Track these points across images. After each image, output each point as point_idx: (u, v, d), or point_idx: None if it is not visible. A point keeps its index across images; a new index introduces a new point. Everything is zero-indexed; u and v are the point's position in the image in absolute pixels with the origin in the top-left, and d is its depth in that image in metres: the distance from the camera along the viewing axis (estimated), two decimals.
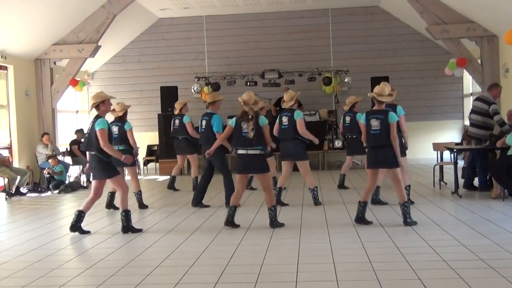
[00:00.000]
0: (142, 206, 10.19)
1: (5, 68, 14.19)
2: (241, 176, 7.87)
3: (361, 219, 7.79)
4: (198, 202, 9.95)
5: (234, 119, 7.97)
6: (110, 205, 10.04)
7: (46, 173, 13.42)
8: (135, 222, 8.40)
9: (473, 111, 11.01)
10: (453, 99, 18.32)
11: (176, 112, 12.22)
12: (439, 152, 12.02)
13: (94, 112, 8.03)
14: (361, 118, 8.31)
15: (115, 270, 5.86)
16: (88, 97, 19.26)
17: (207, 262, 6.14)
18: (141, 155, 17.49)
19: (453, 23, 14.45)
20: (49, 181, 13.43)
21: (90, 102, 8.70)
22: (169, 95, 16.33)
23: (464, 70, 15.23)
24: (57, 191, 13.05)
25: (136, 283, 5.33)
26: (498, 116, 10.64)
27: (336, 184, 11.92)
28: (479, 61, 14.64)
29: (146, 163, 17.75)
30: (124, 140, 9.94)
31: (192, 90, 17.60)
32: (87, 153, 8.06)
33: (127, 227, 7.89)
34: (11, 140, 14.29)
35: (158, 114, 16.69)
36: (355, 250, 6.37)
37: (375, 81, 16.07)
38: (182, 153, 12.19)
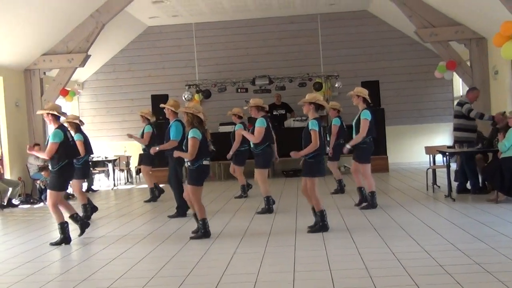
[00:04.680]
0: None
1: None
2: None
3: None
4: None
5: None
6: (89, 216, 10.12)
7: (41, 184, 13.28)
8: (128, 232, 8.40)
9: (454, 116, 11.26)
10: (444, 101, 18.41)
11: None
12: (431, 155, 12.05)
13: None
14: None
15: (111, 281, 5.82)
16: (79, 107, 19.23)
17: (202, 272, 6.11)
18: (133, 163, 17.46)
19: (442, 26, 14.53)
20: (41, 192, 13.35)
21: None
22: (160, 103, 16.19)
23: (454, 73, 15.32)
24: None
25: None
26: (474, 111, 10.85)
27: (332, 189, 11.91)
28: (468, 63, 14.72)
29: (138, 171, 17.68)
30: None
31: (183, 98, 17.56)
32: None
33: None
34: (2, 152, 14.20)
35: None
36: (351, 256, 6.36)
37: (366, 85, 16.13)
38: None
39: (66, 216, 8.22)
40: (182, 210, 9.71)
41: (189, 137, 7.63)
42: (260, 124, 9.64)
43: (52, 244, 7.95)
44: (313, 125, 7.64)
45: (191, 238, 7.82)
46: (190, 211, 8.80)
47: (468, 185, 10.80)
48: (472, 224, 7.82)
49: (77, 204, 10.17)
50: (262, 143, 9.69)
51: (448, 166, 10.36)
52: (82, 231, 8.35)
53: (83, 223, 8.39)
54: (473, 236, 7.04)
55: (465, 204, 9.59)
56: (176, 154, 8.08)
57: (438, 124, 18.14)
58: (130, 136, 12.60)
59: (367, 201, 9.62)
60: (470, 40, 14.48)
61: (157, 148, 9.76)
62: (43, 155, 8.16)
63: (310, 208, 8.08)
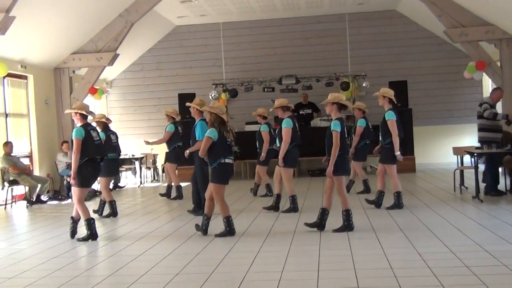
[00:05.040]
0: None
1: (25, 77, 14.34)
2: None
3: None
4: None
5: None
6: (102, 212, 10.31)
7: (69, 181, 13.47)
8: (153, 229, 8.48)
9: (477, 116, 11.16)
10: (473, 102, 18.07)
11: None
12: (459, 156, 11.91)
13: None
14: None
15: (136, 277, 5.87)
16: (107, 105, 19.43)
17: (227, 269, 6.13)
18: (160, 161, 17.58)
19: (472, 26, 14.35)
20: (69, 188, 13.50)
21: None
22: (187, 102, 16.32)
23: (484, 73, 15.11)
24: None
25: None
26: (488, 111, 10.73)
27: (358, 190, 11.85)
28: (498, 63, 14.51)
29: (164, 169, 17.80)
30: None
31: (210, 97, 17.60)
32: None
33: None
34: (31, 149, 14.42)
35: (178, 121, 16.73)
36: (376, 256, 6.32)
37: (393, 85, 16.05)
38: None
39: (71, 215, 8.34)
40: (198, 207, 9.75)
41: (205, 135, 7.71)
42: (287, 125, 9.62)
43: (79, 239, 8.05)
44: (335, 126, 7.62)
45: (216, 235, 7.85)
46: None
47: (498, 186, 10.64)
48: (500, 226, 7.71)
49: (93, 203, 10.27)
50: (291, 143, 9.69)
51: (476, 167, 10.22)
52: (84, 238, 8.11)
53: (91, 234, 8.12)
54: (501, 237, 6.94)
55: (493, 206, 9.46)
56: (188, 151, 8.20)
57: (467, 125, 17.88)
58: (148, 143, 12.68)
59: (376, 205, 9.65)
60: (500, 40, 14.29)
61: (188, 152, 9.88)
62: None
63: (337, 208, 8.05)
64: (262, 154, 11.40)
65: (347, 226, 7.79)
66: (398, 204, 9.47)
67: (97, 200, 12.97)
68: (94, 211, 10.18)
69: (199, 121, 9.65)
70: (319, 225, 7.89)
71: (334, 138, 7.59)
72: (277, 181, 10.15)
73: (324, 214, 7.89)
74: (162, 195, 12.71)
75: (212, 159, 7.72)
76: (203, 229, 7.99)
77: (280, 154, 9.42)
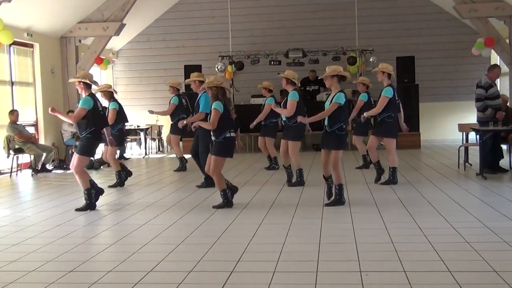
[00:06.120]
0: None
1: (31, 45, 14.32)
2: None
3: None
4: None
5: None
6: (122, 182, 10.30)
7: (73, 150, 13.51)
8: (156, 200, 8.54)
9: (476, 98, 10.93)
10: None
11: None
12: (464, 133, 11.88)
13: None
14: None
15: (139, 246, 5.92)
16: (113, 76, 19.41)
17: (229, 240, 6.17)
18: (165, 133, 17.60)
19: (481, 2, 14.21)
20: None
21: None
22: (191, 73, 16.31)
23: (492, 50, 14.98)
24: None
25: (159, 260, 5.37)
26: (478, 103, 10.63)
27: (359, 164, 11.89)
28: (507, 40, 14.38)
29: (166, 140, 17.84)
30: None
31: (216, 69, 17.56)
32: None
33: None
34: (37, 118, 14.47)
35: (182, 93, 16.72)
36: (377, 230, 6.34)
37: (401, 61, 16.00)
38: None
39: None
40: (211, 179, 9.78)
41: (212, 108, 7.68)
42: (293, 97, 9.60)
43: (77, 209, 8.08)
44: (339, 99, 7.60)
45: (214, 207, 7.89)
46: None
47: (501, 163, 10.63)
48: (502, 203, 7.72)
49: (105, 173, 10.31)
50: (295, 116, 9.66)
51: (481, 144, 10.20)
52: (82, 208, 8.14)
53: (90, 204, 8.16)
54: (503, 214, 6.95)
55: (497, 183, 9.46)
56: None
57: (473, 102, 17.72)
58: (151, 112, 12.67)
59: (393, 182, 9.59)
60: (510, 17, 14.15)
61: (185, 122, 9.90)
62: (69, 120, 8.27)
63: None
64: (254, 122, 11.59)
65: (338, 200, 7.81)
66: (392, 180, 9.49)
67: (105, 171, 13.06)
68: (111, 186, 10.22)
69: (203, 94, 9.64)
70: (339, 200, 7.84)
71: (331, 106, 7.62)
72: (284, 154, 10.09)
73: (341, 189, 7.86)
74: (176, 170, 12.50)
75: (219, 132, 7.69)
76: (229, 200, 7.98)
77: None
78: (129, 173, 10.55)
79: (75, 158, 8.17)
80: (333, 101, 7.63)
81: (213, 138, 7.80)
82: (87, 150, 8.10)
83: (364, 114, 9.79)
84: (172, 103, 12.23)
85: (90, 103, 8.01)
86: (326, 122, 7.77)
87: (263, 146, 12.00)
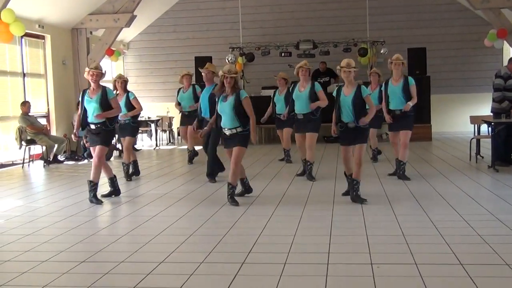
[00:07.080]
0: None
1: (43, 37, 14.37)
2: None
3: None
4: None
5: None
6: (128, 175, 10.25)
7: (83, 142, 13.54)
8: (167, 191, 8.57)
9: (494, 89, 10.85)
10: (492, 71, 17.62)
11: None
12: (476, 125, 11.82)
13: None
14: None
15: (150, 237, 5.95)
16: (124, 67, 19.43)
17: (240, 232, 6.19)
18: (175, 124, 17.63)
19: None
20: (85, 149, 13.61)
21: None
22: (203, 65, 16.27)
23: (505, 42, 14.88)
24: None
25: (170, 251, 5.40)
26: (496, 93, 10.55)
27: (370, 156, 11.85)
28: None
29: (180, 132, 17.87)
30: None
31: (227, 61, 17.52)
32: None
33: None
34: (48, 109, 14.54)
35: (193, 84, 16.72)
36: (388, 223, 6.33)
37: (412, 52, 15.90)
38: None
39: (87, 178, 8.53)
40: (217, 169, 9.81)
41: (243, 98, 7.53)
42: (321, 88, 9.64)
43: (103, 195, 8.29)
44: (366, 91, 7.56)
45: (235, 195, 7.76)
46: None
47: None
48: None
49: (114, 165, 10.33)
50: (319, 108, 9.61)
51: (493, 136, 10.14)
52: (107, 194, 8.45)
53: (115, 191, 8.53)
54: None
55: (509, 175, 9.41)
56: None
57: (485, 94, 17.55)
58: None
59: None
60: None
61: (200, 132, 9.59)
62: (116, 113, 8.23)
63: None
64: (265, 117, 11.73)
65: (356, 196, 7.63)
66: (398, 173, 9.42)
67: (116, 161, 13.10)
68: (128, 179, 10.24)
69: (207, 88, 9.66)
70: (357, 196, 7.59)
71: (371, 102, 7.51)
72: (302, 147, 9.89)
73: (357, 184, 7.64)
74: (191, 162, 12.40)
75: (246, 123, 7.63)
76: (246, 188, 8.10)
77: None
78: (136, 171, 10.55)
79: (99, 149, 8.07)
80: (366, 95, 7.52)
81: (238, 130, 7.57)
82: (110, 140, 8.54)
83: (409, 103, 9.06)
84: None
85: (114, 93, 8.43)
86: (349, 118, 7.49)
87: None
